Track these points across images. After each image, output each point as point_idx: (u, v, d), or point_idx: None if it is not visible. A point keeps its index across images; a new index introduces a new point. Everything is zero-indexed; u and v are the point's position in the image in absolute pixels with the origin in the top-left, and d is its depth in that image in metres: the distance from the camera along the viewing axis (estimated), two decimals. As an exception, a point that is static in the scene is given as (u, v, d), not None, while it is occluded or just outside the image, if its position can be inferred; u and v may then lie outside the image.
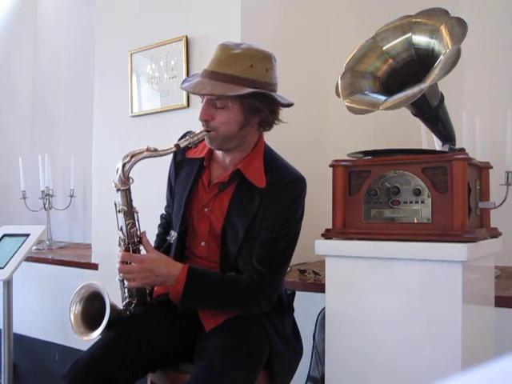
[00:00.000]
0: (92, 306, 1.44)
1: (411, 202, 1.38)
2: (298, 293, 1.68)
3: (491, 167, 1.57)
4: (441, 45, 1.39)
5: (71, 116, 3.95)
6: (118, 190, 1.38)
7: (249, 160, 1.43)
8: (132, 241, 1.38)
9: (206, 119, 1.37)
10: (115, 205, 1.40)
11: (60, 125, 4.05)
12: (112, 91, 2.80)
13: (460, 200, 1.31)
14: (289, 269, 2.19)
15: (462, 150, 1.45)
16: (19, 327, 3.04)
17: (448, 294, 1.29)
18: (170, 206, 1.61)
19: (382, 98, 1.44)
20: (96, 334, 1.38)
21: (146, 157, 1.35)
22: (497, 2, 2.55)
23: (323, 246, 1.49)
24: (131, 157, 1.35)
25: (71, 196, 3.57)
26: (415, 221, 1.37)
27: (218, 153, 1.48)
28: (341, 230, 1.47)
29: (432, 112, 1.51)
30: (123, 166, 1.35)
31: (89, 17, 3.50)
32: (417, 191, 1.36)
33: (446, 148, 1.53)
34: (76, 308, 1.44)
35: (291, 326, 1.54)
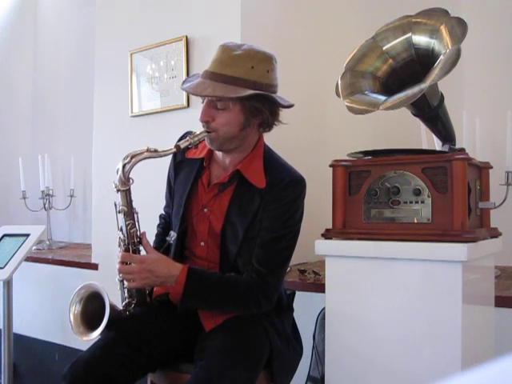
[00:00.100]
0: (92, 306, 1.44)
1: (411, 202, 1.38)
2: (298, 293, 1.68)
3: (491, 167, 1.57)
4: (441, 45, 1.39)
5: (71, 116, 3.95)
6: (118, 190, 1.38)
7: (248, 160, 1.43)
8: (132, 241, 1.38)
9: (206, 120, 1.37)
10: (115, 205, 1.40)
11: (60, 125, 4.05)
12: (112, 91, 2.80)
13: (460, 200, 1.31)
14: (289, 269, 2.19)
15: (462, 150, 1.45)
16: (19, 327, 3.04)
17: (448, 294, 1.29)
18: (169, 206, 1.61)
19: (382, 97, 1.44)
20: (96, 334, 1.38)
21: (146, 157, 1.35)
22: (497, 2, 2.55)
23: (323, 246, 1.49)
24: (131, 157, 1.35)
25: (71, 196, 3.57)
26: (415, 221, 1.37)
27: (218, 153, 1.48)
28: (341, 230, 1.47)
29: (432, 112, 1.51)
30: (123, 166, 1.35)
31: (89, 17, 3.51)
32: (417, 191, 1.36)
33: (445, 148, 1.53)
34: (76, 308, 1.44)
35: (291, 326, 1.54)
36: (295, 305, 1.59)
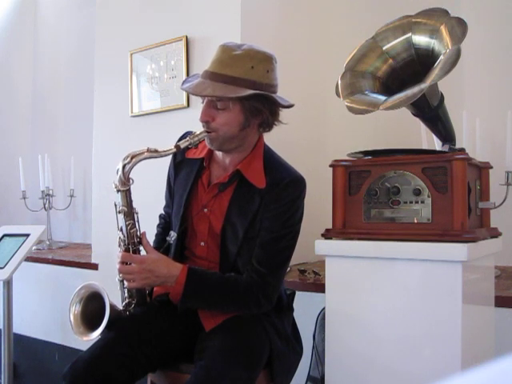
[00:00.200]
0: (92, 307, 1.44)
1: (411, 202, 1.38)
2: (298, 293, 1.68)
3: (491, 167, 1.57)
4: (441, 45, 1.39)
5: (71, 116, 3.95)
6: (118, 190, 1.38)
7: (248, 160, 1.43)
8: (132, 241, 1.38)
9: (206, 120, 1.37)
10: (115, 205, 1.40)
11: (60, 125, 4.05)
12: (112, 91, 2.80)
13: (460, 200, 1.31)
14: (289, 269, 2.19)
15: (462, 150, 1.45)
16: (19, 327, 3.04)
17: (448, 294, 1.29)
18: (169, 206, 1.61)
19: (382, 98, 1.44)
20: (96, 334, 1.38)
21: (146, 158, 1.35)
22: (497, 2, 2.55)
23: (323, 246, 1.49)
24: (131, 158, 1.35)
25: (71, 196, 3.57)
26: (415, 221, 1.37)
27: (218, 153, 1.48)
28: (341, 230, 1.47)
29: (432, 112, 1.51)
30: (123, 166, 1.35)
31: (89, 17, 3.51)
32: (417, 191, 1.36)
33: (446, 148, 1.53)
34: (76, 308, 1.44)
35: (291, 325, 1.54)
36: (295, 305, 1.59)
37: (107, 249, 2.50)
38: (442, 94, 1.51)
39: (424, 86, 1.31)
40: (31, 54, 4.27)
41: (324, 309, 1.52)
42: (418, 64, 1.49)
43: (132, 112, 2.67)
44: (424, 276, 1.33)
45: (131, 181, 1.38)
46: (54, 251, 3.41)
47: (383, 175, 1.42)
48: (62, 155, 3.88)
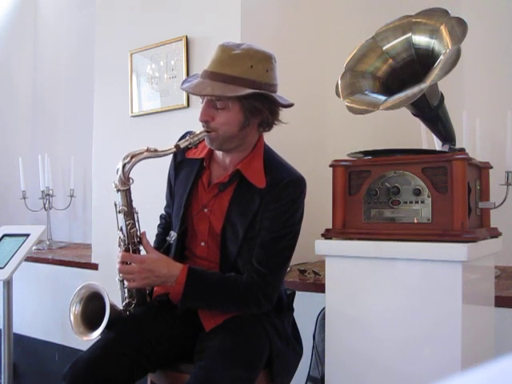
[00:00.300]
0: (92, 307, 1.44)
1: (411, 202, 1.38)
2: (298, 293, 1.68)
3: (491, 167, 1.57)
4: (441, 45, 1.39)
5: (71, 116, 3.95)
6: (118, 190, 1.38)
7: (248, 160, 1.43)
8: (132, 241, 1.38)
9: (206, 120, 1.37)
10: (115, 205, 1.40)
11: (60, 125, 4.05)
12: (112, 91, 2.80)
13: (460, 200, 1.31)
14: (289, 269, 2.19)
15: (462, 150, 1.45)
16: (19, 327, 3.04)
17: (448, 294, 1.29)
18: (169, 206, 1.61)
19: (382, 98, 1.44)
20: (96, 334, 1.38)
21: (146, 157, 1.35)
22: (497, 2, 2.55)
23: (323, 246, 1.49)
24: (131, 157, 1.35)
25: (71, 196, 3.57)
26: (415, 221, 1.37)
27: (218, 153, 1.48)
28: (341, 230, 1.47)
29: (432, 112, 1.51)
30: (123, 166, 1.35)
31: (89, 17, 3.50)
32: (417, 191, 1.36)
33: (446, 148, 1.53)
34: (76, 308, 1.44)
35: (291, 326, 1.54)
36: (295, 305, 1.59)
37: (107, 249, 2.50)
38: (442, 94, 1.51)
39: (424, 86, 1.31)
40: (31, 54, 4.27)
41: (324, 309, 1.52)
42: (418, 64, 1.49)
43: (132, 112, 2.67)
44: (424, 276, 1.33)
45: (131, 180, 1.38)
46: (54, 251, 3.41)
47: (383, 175, 1.42)
48: (61, 155, 3.88)
